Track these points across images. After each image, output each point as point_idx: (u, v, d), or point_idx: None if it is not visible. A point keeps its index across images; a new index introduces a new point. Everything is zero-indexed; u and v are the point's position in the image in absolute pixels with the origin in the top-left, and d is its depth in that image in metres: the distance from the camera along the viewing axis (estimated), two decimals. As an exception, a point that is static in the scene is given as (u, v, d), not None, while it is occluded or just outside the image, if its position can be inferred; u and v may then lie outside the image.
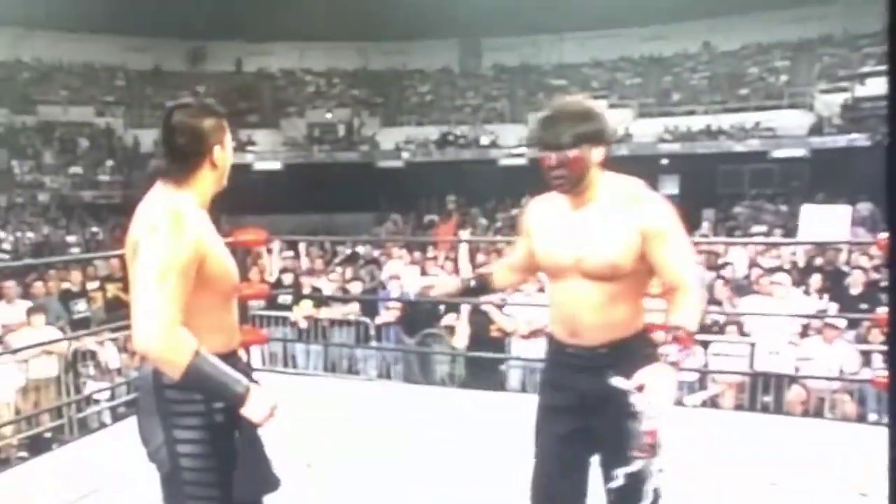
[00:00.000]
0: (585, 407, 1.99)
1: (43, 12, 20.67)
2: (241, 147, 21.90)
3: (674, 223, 1.92)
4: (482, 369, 5.69)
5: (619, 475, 1.88)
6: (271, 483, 1.82)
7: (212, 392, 1.68)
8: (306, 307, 7.14)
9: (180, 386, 1.67)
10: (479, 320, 6.04)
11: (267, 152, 22.41)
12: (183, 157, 1.74)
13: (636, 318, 2.01)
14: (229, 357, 1.79)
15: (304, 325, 7.10)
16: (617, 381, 1.88)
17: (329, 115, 23.82)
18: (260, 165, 21.62)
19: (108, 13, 21.43)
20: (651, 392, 1.77)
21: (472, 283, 2.38)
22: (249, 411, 1.66)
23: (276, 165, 21.87)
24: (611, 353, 1.96)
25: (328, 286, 7.85)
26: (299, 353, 7.19)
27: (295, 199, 19.08)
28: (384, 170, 21.65)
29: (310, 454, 3.41)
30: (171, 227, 1.64)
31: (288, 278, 7.69)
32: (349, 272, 8.24)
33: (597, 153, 1.91)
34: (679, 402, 1.94)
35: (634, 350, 1.97)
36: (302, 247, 8.74)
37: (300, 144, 23.18)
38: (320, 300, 7.27)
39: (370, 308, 7.15)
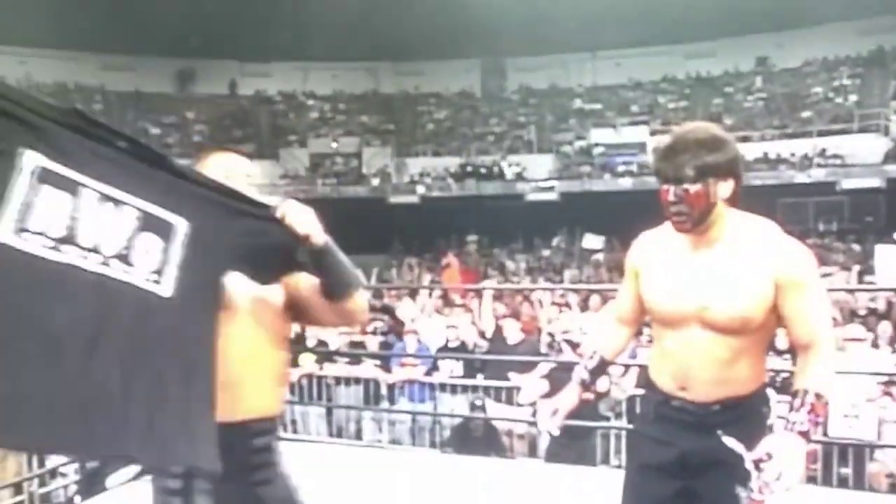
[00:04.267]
0: (687, 467, 2.01)
1: (7, 26, 20.82)
2: (234, 180, 22.03)
3: (812, 272, 1.95)
4: (571, 438, 5.43)
5: None
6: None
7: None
8: (307, 363, 7.11)
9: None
10: (563, 377, 5.78)
11: (264, 186, 22.28)
12: None
13: (757, 376, 2.03)
14: (236, 426, 1.80)
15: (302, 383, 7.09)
16: (734, 444, 1.92)
17: (335, 145, 24.08)
18: (256, 201, 21.68)
19: (85, 28, 21.72)
20: (778, 464, 1.77)
21: (589, 374, 2.32)
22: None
23: (273, 201, 21.86)
24: (724, 411, 1.98)
25: (335, 339, 7.82)
26: (299, 415, 7.15)
27: (295, 238, 19.06)
28: (397, 206, 21.83)
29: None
30: None
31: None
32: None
33: (724, 188, 1.92)
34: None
35: (750, 410, 2.00)
36: None
37: (301, 177, 23.45)
38: (324, 355, 7.23)
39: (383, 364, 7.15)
